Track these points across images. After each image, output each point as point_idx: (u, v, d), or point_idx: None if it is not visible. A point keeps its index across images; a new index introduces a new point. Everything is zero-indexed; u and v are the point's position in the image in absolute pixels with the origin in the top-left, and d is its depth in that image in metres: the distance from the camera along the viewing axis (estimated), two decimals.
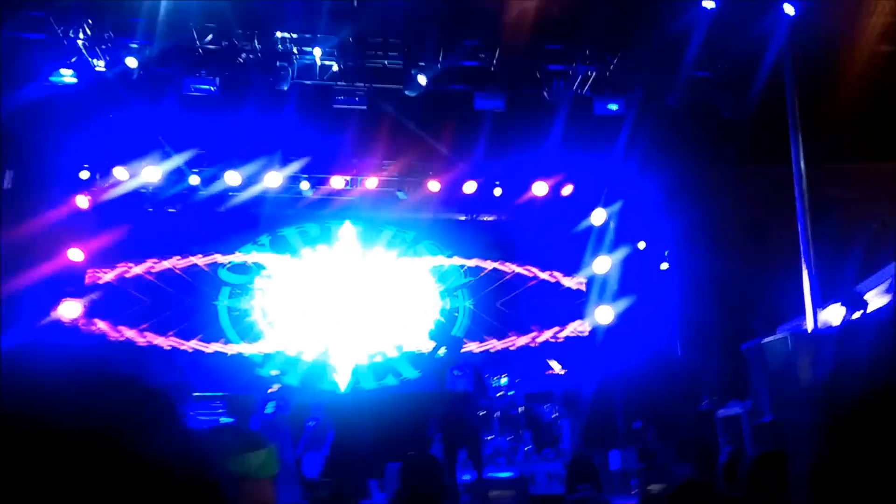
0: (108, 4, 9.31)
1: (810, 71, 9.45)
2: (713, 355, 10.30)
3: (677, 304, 11.77)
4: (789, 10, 9.26)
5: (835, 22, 9.09)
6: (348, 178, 12.15)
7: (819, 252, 8.47)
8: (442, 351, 7.88)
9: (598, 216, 12.72)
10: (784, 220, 9.03)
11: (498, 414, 9.26)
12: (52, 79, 9.69)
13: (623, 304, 12.24)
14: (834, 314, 7.98)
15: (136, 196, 11.91)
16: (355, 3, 9.63)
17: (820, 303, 8.29)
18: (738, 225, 10.45)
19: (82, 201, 11.49)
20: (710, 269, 10.86)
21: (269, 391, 9.42)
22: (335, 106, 10.61)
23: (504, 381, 9.84)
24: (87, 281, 11.68)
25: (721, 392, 8.96)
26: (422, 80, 10.03)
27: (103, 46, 9.64)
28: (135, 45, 9.68)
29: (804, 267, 8.38)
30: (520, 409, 9.49)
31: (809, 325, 8.01)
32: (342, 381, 11.84)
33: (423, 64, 10.09)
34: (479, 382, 7.77)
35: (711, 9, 9.50)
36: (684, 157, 11.37)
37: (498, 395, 9.43)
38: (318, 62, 10.30)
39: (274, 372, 9.64)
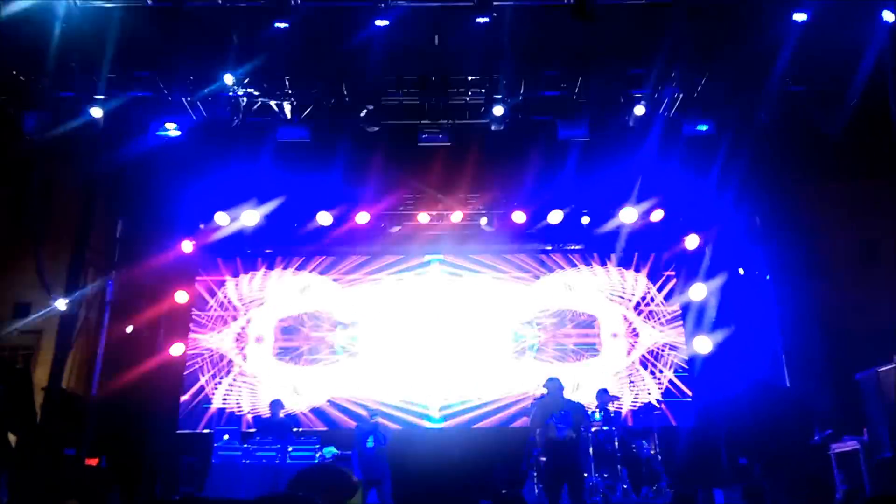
0: (206, 61, 9.87)
1: None
2: (823, 385, 9.67)
3: (781, 332, 11.15)
4: (889, 17, 8.80)
5: None
6: (434, 212, 12.29)
7: None
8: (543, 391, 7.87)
9: (692, 241, 12.30)
10: (893, 239, 8.49)
11: (593, 450, 8.97)
12: (159, 133, 10.31)
13: (723, 333, 11.71)
14: None
15: (237, 239, 12.46)
16: (436, 42, 9.83)
17: None
18: (844, 245, 9.84)
19: (187, 246, 12.12)
20: (816, 294, 10.26)
21: (370, 424, 9.52)
22: (420, 144, 10.82)
23: (599, 415, 9.55)
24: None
25: (834, 425, 8.38)
26: (498, 110, 10.09)
27: (204, 101, 10.21)
28: (231, 97, 10.21)
29: None
30: (616, 445, 9.15)
31: None
32: (434, 418, 11.84)
33: (501, 96, 10.15)
34: (578, 426, 7.71)
35: (803, 20, 9.13)
36: (781, 175, 10.89)
37: (593, 429, 9.15)
38: (403, 102, 10.55)
39: (374, 406, 9.78)
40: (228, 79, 9.81)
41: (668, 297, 12.60)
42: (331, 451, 9.20)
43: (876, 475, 6.95)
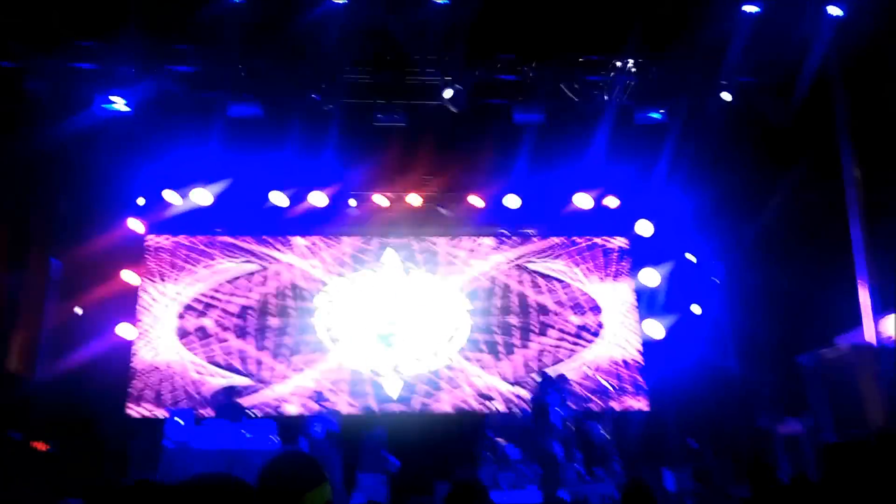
0: (154, 33, 9.54)
1: (858, 72, 9.24)
2: (769, 368, 10.04)
3: (729, 317, 11.52)
4: (835, 11, 9.07)
5: (882, 21, 8.84)
6: (391, 195, 12.22)
7: (875, 259, 8.24)
8: None
9: (644, 227, 12.54)
10: (837, 227, 8.81)
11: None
12: (104, 106, 9.95)
13: (673, 318, 12.04)
14: (891, 324, 7.73)
15: (187, 217, 12.15)
16: (392, 21, 9.72)
17: (878, 312, 8.04)
18: (790, 232, 10.19)
19: (135, 225, 11.77)
20: (762, 280, 10.61)
21: (316, 412, 9.48)
22: (375, 124, 10.71)
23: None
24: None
25: (777, 407, 8.72)
26: (448, 93, 10.03)
27: (151, 74, 9.88)
28: (181, 71, 9.91)
29: (860, 275, 8.15)
30: (571, 428, 9.34)
31: (868, 336, 7.76)
32: (392, 396, 11.86)
33: (452, 78, 10.10)
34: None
35: (754, 13, 9.35)
36: (731, 164, 11.18)
37: None
38: (359, 81, 10.42)
39: (319, 390, 9.70)
40: None
41: (621, 282, 12.83)
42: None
43: (820, 458, 7.24)
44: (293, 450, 8.12)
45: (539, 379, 9.65)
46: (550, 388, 8.85)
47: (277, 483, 2.13)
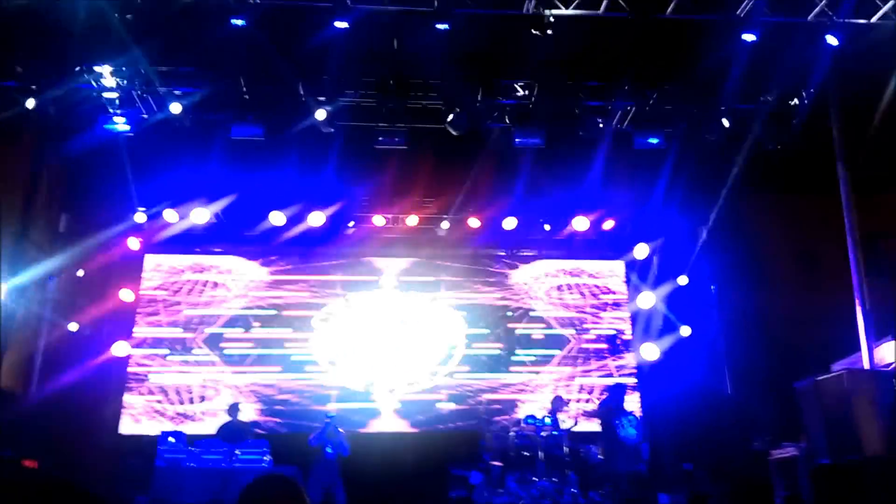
0: (159, 56, 9.66)
1: (855, 100, 9.32)
2: (764, 393, 10.02)
3: (724, 340, 11.51)
4: (832, 40, 9.17)
5: (878, 52, 8.95)
6: (389, 216, 12.27)
7: (872, 285, 8.25)
8: None
9: (641, 251, 12.59)
10: (834, 253, 8.84)
11: (543, 454, 9.10)
12: (107, 127, 10.03)
13: (669, 341, 12.03)
14: (889, 351, 7.72)
15: (186, 237, 12.20)
16: (395, 46, 9.82)
17: (874, 338, 8.03)
18: (787, 258, 10.22)
19: (134, 243, 11.81)
20: (759, 304, 10.62)
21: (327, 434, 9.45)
22: (376, 146, 10.78)
23: (548, 420, 9.70)
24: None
25: (773, 432, 8.68)
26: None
27: (155, 95, 9.99)
28: (184, 94, 10.00)
29: (857, 301, 8.15)
30: (565, 450, 9.30)
31: (865, 362, 7.75)
32: (388, 416, 11.82)
33: (454, 102, 10.18)
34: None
35: (752, 41, 9.44)
36: (726, 188, 11.24)
37: (543, 434, 9.29)
38: (360, 104, 10.51)
39: (332, 412, 9.67)
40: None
41: (616, 306, 12.85)
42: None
43: (813, 481, 7.18)
44: (274, 471, 8.09)
45: (605, 397, 9.77)
46: (616, 406, 9.13)
47: (258, 502, 2.18)
